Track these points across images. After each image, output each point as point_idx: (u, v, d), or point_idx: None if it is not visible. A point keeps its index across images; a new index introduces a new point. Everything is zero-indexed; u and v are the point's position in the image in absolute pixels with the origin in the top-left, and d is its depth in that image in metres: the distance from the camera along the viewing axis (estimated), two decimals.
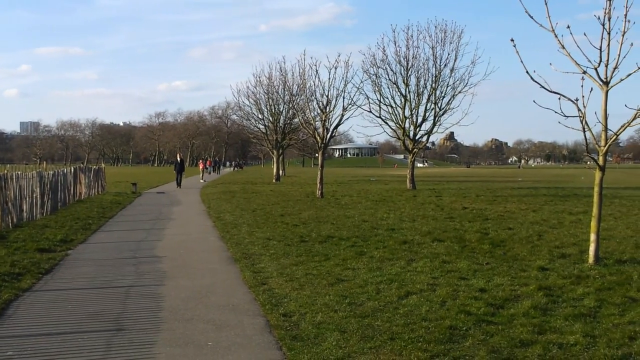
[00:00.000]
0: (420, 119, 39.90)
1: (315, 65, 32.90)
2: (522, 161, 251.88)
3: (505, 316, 8.05)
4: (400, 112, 39.55)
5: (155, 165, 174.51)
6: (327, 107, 31.72)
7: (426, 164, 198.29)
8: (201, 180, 52.54)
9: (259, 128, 57.12)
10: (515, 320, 7.87)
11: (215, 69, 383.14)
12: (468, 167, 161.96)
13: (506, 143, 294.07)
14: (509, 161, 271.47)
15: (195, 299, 9.30)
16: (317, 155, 35.78)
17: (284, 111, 52.43)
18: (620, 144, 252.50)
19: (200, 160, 69.68)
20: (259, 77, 52.22)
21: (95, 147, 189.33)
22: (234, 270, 11.67)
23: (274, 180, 52.62)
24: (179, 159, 44.37)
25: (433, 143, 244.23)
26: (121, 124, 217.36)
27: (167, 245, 15.01)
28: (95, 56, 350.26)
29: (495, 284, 9.98)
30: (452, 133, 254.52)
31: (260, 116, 54.29)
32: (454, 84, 39.51)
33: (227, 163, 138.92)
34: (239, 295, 9.57)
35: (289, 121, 53.21)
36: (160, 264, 12.30)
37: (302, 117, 35.75)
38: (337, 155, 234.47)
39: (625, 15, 11.00)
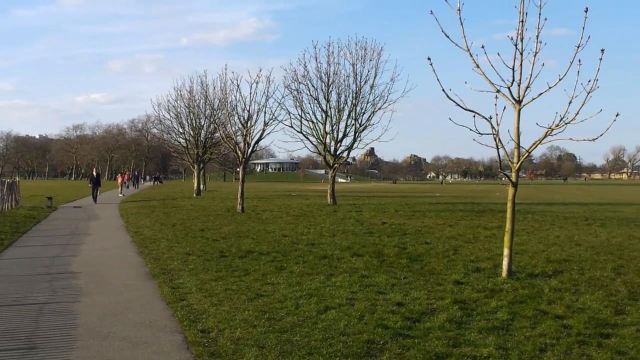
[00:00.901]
0: (341, 135, 40.25)
1: (237, 80, 32.87)
2: (441, 177, 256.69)
3: (421, 330, 8.20)
4: (321, 127, 39.86)
5: (73, 179, 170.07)
6: (249, 122, 31.71)
7: (349, 179, 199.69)
8: (120, 195, 51.60)
9: (179, 142, 56.53)
10: (431, 333, 8.02)
11: (136, 82, 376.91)
12: (394, 182, 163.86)
13: (425, 159, 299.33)
14: (428, 177, 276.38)
15: (112, 315, 9.13)
16: (238, 169, 35.61)
17: (205, 125, 52.12)
18: (534, 161, 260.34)
19: (119, 175, 68.37)
20: (180, 91, 51.92)
21: (9, 160, 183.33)
22: (152, 286, 11.50)
23: (194, 195, 52.10)
24: (94, 173, 43.42)
25: (354, 158, 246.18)
26: (37, 136, 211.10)
27: (83, 260, 14.68)
28: (11, 67, 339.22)
29: (412, 298, 10.15)
30: (372, 149, 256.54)
31: (181, 130, 53.83)
32: (374, 100, 40.04)
33: (147, 177, 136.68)
34: (156, 311, 9.45)
35: (210, 135, 52.88)
36: (76, 280, 12.02)
37: (223, 132, 35.56)
38: (258, 169, 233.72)
39: (537, 36, 11.43)
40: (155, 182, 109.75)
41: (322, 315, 8.99)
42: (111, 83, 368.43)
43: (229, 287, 11.11)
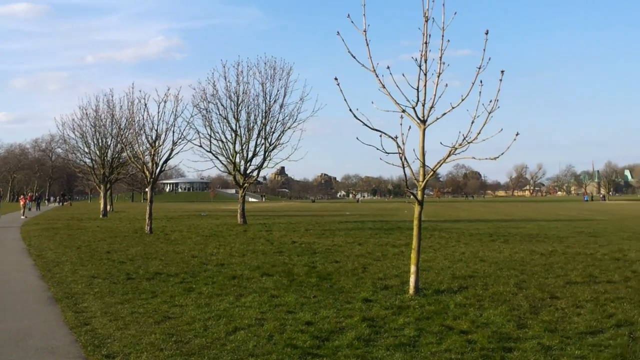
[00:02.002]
0: (250, 154, 40.23)
1: (145, 99, 32.44)
2: (351, 195, 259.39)
3: (330, 348, 8.22)
4: (231, 146, 39.76)
5: None
6: (157, 142, 31.31)
7: (263, 198, 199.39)
8: (22, 217, 49.84)
9: (85, 162, 55.31)
10: (339, 352, 8.05)
11: (40, 100, 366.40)
12: (313, 201, 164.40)
13: (335, 178, 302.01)
14: (338, 195, 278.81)
15: (12, 342, 8.78)
16: (146, 190, 35.05)
17: (111, 145, 51.16)
18: (440, 179, 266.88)
19: (21, 196, 66.10)
20: (86, 110, 50.82)
21: None
22: (55, 310, 11.12)
23: (101, 216, 50.86)
24: None
25: (264, 178, 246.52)
26: None
27: None
28: None
29: (321, 317, 10.18)
30: (282, 168, 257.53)
31: (86, 150, 52.66)
32: (283, 119, 40.20)
33: (52, 198, 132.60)
34: (59, 336, 9.14)
35: (117, 155, 51.92)
36: None
37: (131, 151, 34.95)
38: (168, 189, 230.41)
39: (441, 57, 11.72)
40: (62, 203, 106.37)
41: (231, 336, 8.89)
42: (13, 101, 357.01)
43: (136, 310, 10.87)
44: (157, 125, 31.31)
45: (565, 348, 8.17)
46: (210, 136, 39.26)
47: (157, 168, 31.98)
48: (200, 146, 38.37)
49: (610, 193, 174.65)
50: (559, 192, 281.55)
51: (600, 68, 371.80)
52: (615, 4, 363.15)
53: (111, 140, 50.79)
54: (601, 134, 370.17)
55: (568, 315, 10.22)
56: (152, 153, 31.40)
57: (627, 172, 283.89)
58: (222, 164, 40.63)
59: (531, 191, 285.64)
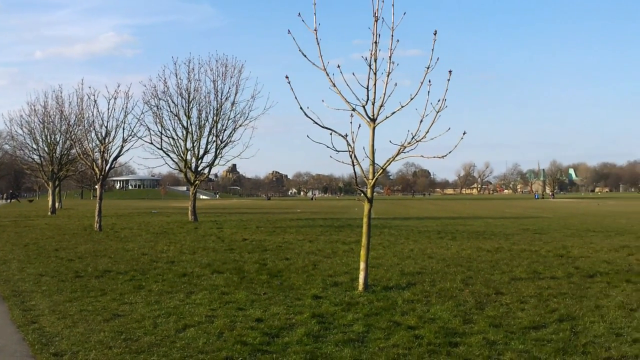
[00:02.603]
0: (202, 151, 40.10)
1: (94, 95, 32.06)
2: (303, 193, 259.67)
3: (280, 345, 8.29)
4: (182, 144, 39.58)
5: None
6: (106, 138, 31.02)
7: (217, 196, 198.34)
8: None
9: (33, 158, 54.38)
10: (289, 348, 8.14)
11: None
12: (269, 199, 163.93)
13: (286, 175, 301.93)
14: (289, 193, 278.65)
15: None
16: (96, 187, 34.64)
17: (60, 141, 50.45)
18: (391, 177, 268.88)
19: None
20: (34, 106, 50.02)
21: None
22: (2, 309, 10.96)
23: (49, 213, 50.07)
24: None
25: (216, 175, 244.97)
26: None
27: None
28: None
29: (271, 314, 10.25)
30: (234, 165, 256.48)
31: (34, 146, 51.91)
32: (235, 117, 40.15)
33: None
34: (6, 335, 9.04)
35: (66, 152, 51.19)
36: None
37: (80, 148, 34.50)
38: (118, 187, 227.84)
39: (390, 57, 11.86)
40: (11, 200, 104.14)
41: (181, 333, 8.91)
42: None
43: (84, 308, 10.79)
44: (107, 122, 31.11)
45: (510, 343, 8.38)
46: (161, 133, 39.06)
47: (106, 165, 31.65)
48: (151, 143, 38.15)
49: (556, 191, 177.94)
50: (506, 190, 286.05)
51: (546, 68, 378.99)
52: (560, 2, 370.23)
53: (60, 136, 50.12)
54: (547, 134, 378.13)
55: (512, 311, 10.47)
56: (102, 150, 31.08)
57: (571, 171, 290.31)
58: (173, 161, 40.50)
59: (479, 189, 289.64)
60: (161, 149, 38.89)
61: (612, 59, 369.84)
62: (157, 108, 39.05)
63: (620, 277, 13.89)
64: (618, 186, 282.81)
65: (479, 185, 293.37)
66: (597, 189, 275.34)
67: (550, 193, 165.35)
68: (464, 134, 11.48)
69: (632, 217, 44.26)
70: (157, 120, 39.13)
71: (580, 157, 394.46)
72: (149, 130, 37.77)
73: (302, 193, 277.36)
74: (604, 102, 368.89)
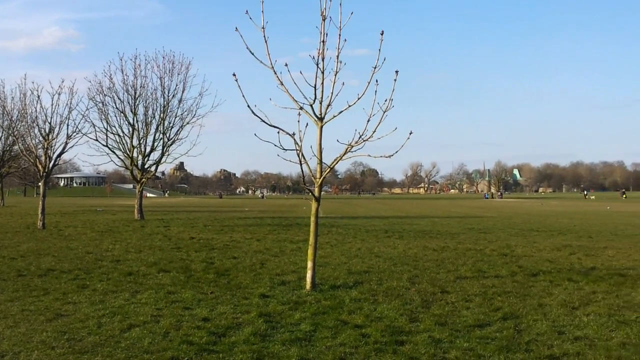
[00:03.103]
0: (148, 149, 39.63)
1: (38, 91, 31.37)
2: (251, 191, 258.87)
3: (226, 344, 8.25)
4: (128, 141, 39.03)
5: None
6: (50, 135, 30.37)
7: (166, 194, 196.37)
8: None
9: None
10: (236, 347, 8.10)
11: None
12: (220, 197, 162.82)
13: (234, 174, 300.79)
14: (237, 191, 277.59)
15: None
16: (39, 184, 33.94)
17: (2, 137, 49.37)
18: (339, 176, 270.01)
19: None
20: None
21: None
22: None
23: None
24: None
25: (163, 173, 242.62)
26: None
27: None
28: None
29: (218, 313, 10.19)
30: (182, 163, 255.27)
31: None
32: (182, 114, 39.80)
33: None
34: None
35: (8, 148, 50.11)
36: None
37: (23, 145, 33.76)
38: (62, 184, 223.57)
39: (338, 56, 11.90)
40: None
41: (126, 333, 8.79)
42: None
43: (26, 307, 10.56)
44: (51, 118, 30.42)
45: (455, 341, 8.49)
46: (107, 130, 38.44)
47: (50, 162, 31.02)
48: (97, 140, 37.55)
49: (502, 191, 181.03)
50: (452, 190, 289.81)
51: (491, 70, 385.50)
52: (508, 5, 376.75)
53: (2, 132, 49.05)
54: (492, 134, 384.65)
55: (458, 309, 10.60)
56: (45, 146, 30.46)
57: (515, 171, 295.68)
58: (119, 158, 39.88)
59: (425, 189, 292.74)
60: (107, 146, 38.34)
61: (554, 60, 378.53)
62: (103, 104, 38.45)
63: (562, 276, 14.18)
64: (561, 186, 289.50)
65: (426, 185, 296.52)
66: (540, 189, 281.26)
67: (498, 193, 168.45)
68: (410, 133, 11.60)
69: (574, 216, 45.23)
70: (103, 116, 38.53)
71: (524, 157, 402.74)
72: (94, 127, 37.24)
73: (250, 191, 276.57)
74: (548, 103, 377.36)
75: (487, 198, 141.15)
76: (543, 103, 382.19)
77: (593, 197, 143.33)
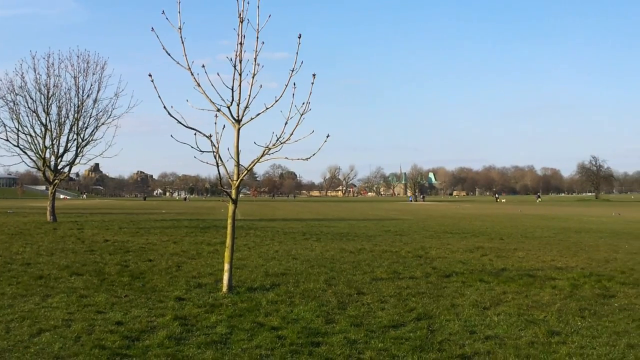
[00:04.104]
0: (62, 150, 38.66)
1: None
2: (168, 193, 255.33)
3: (140, 348, 8.13)
4: (41, 141, 38.02)
5: None
6: None
7: (84, 196, 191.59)
8: None
9: None
10: (150, 351, 7.99)
11: None
12: (144, 199, 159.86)
13: (152, 175, 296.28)
14: (155, 193, 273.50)
15: None
16: None
17: None
18: (258, 178, 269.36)
19: None
20: None
21: None
22: None
23: None
24: None
25: (77, 174, 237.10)
26: None
27: None
28: None
29: (132, 316, 10.03)
30: (97, 164, 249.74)
31: None
32: (97, 115, 38.98)
33: None
34: None
35: None
36: None
37: None
38: None
39: (255, 58, 11.91)
40: None
41: (35, 338, 8.55)
42: None
43: None
44: None
45: (370, 341, 8.59)
46: (18, 130, 37.44)
47: None
48: (7, 140, 36.52)
49: (417, 194, 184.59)
50: (369, 193, 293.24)
51: (406, 75, 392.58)
52: (424, 9, 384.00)
53: None
54: (408, 138, 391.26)
55: (373, 310, 10.74)
56: None
57: (431, 175, 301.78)
58: (31, 159, 38.82)
59: (344, 192, 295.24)
60: (18, 146, 37.35)
61: (466, 66, 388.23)
62: (14, 104, 37.40)
63: (474, 277, 14.53)
64: (474, 190, 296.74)
65: (344, 188, 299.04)
66: (454, 193, 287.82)
67: (421, 196, 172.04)
68: (327, 136, 11.70)
69: (486, 219, 46.40)
70: (14, 116, 37.48)
71: (439, 162, 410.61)
72: (4, 127, 36.18)
73: (167, 194, 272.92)
74: (461, 109, 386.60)
75: (411, 201, 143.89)
76: (457, 108, 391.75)
77: (504, 200, 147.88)
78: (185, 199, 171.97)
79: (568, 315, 10.38)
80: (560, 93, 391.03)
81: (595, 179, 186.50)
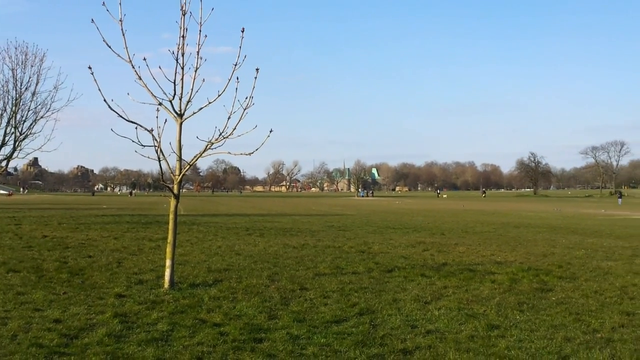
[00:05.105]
0: None
1: None
2: (109, 188, 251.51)
3: (79, 346, 7.99)
4: None
5: None
6: None
7: (25, 191, 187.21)
8: None
9: None
10: (89, 349, 7.86)
11: None
12: (93, 195, 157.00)
13: (92, 170, 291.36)
14: (96, 188, 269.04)
15: None
16: None
17: None
18: (201, 173, 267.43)
19: None
20: None
21: None
22: None
23: None
24: None
25: (15, 169, 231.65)
26: None
27: None
28: None
29: (71, 314, 9.84)
30: (36, 159, 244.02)
31: None
32: (35, 108, 38.01)
33: None
34: None
35: None
36: None
37: None
38: None
39: (198, 52, 11.80)
40: None
41: None
42: None
43: None
44: None
45: (312, 337, 8.61)
46: None
47: None
48: None
49: (359, 190, 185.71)
50: (313, 189, 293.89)
51: (348, 71, 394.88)
52: (364, 5, 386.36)
53: None
54: (351, 134, 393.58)
55: (316, 305, 10.76)
56: None
57: (374, 170, 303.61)
58: None
59: (287, 187, 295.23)
60: None
61: (406, 63, 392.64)
62: None
63: (416, 272, 14.68)
64: (416, 185, 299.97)
65: (288, 183, 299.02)
66: (397, 188, 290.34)
67: (370, 192, 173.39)
68: (270, 131, 11.65)
69: (428, 214, 46.98)
70: None
71: (382, 157, 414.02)
72: None
73: (108, 189, 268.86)
74: (404, 105, 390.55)
75: (362, 196, 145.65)
76: (399, 105, 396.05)
77: (445, 195, 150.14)
78: (131, 193, 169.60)
79: (507, 309, 10.57)
80: (499, 91, 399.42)
81: (534, 175, 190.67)
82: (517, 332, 9.00)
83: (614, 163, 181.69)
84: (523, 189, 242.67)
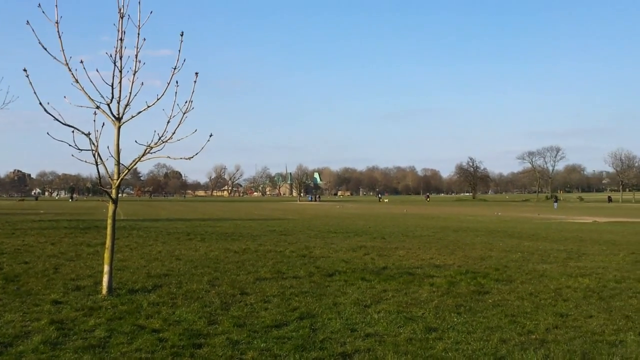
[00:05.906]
0: None
1: None
2: (47, 193, 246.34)
3: (13, 354, 7.83)
4: None
5: None
6: None
7: None
8: None
9: None
10: (24, 357, 7.72)
11: None
12: (36, 199, 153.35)
13: (30, 174, 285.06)
14: (33, 193, 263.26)
15: None
16: None
17: None
18: (142, 178, 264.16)
19: None
20: None
21: None
22: None
23: None
24: None
25: None
26: None
27: None
28: None
29: (5, 321, 9.62)
30: None
31: None
32: None
33: None
34: None
35: None
36: None
37: None
38: None
39: (137, 55, 11.65)
40: None
41: None
42: None
43: None
44: None
45: (252, 342, 8.60)
46: None
47: None
48: None
49: (301, 194, 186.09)
50: (255, 193, 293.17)
51: (289, 77, 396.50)
52: (306, 9, 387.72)
53: None
54: (293, 139, 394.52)
55: (256, 310, 10.75)
56: None
57: (316, 175, 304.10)
58: None
59: (229, 191, 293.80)
60: None
61: (346, 70, 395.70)
62: None
63: (356, 276, 14.78)
64: (358, 190, 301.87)
65: (230, 188, 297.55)
66: (339, 192, 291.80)
67: (318, 196, 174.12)
68: (210, 135, 11.63)
69: (369, 219, 47.37)
70: None
71: (324, 162, 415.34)
72: None
73: (46, 193, 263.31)
74: (345, 110, 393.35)
75: (311, 200, 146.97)
76: (340, 109, 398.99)
77: (387, 200, 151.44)
78: (71, 198, 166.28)
79: (445, 312, 10.73)
80: (438, 97, 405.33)
81: (473, 180, 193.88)
82: (455, 334, 9.15)
83: (550, 168, 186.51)
84: (462, 194, 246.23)
